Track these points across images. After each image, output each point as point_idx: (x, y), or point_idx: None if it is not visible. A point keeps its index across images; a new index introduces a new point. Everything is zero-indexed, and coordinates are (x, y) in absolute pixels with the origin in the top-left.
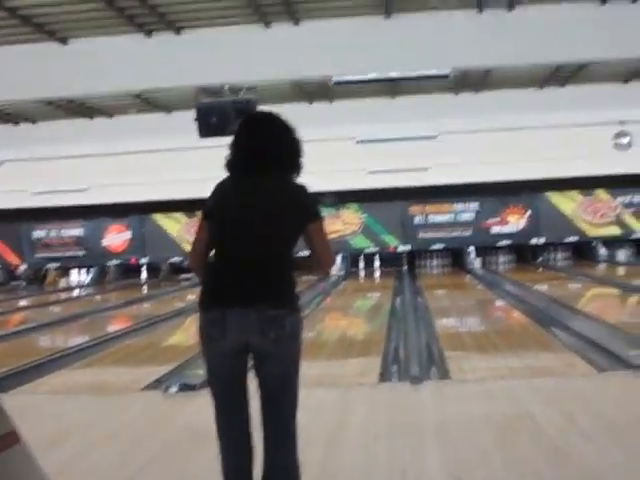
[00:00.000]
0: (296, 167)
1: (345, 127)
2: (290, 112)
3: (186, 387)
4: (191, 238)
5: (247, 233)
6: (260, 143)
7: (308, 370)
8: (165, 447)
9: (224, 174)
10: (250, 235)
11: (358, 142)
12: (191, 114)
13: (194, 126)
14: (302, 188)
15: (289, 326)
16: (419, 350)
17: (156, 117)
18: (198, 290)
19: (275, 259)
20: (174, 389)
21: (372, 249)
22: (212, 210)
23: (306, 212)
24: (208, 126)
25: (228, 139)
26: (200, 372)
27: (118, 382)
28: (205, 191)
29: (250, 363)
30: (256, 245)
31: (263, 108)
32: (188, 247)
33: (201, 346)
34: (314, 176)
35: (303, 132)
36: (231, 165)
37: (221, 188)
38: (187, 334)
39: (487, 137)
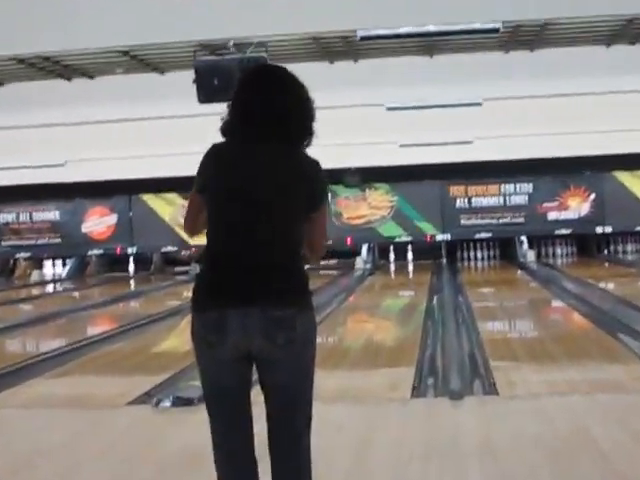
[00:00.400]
0: (308, 135)
1: (372, 92)
2: (307, 73)
3: (181, 401)
4: None
5: (249, 213)
6: (266, 102)
7: (327, 382)
8: (157, 472)
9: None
10: (253, 216)
11: (388, 109)
12: (189, 75)
13: (192, 89)
14: (315, 165)
15: (301, 328)
16: (460, 359)
17: (147, 78)
18: (191, 285)
19: (283, 246)
20: (167, 403)
21: (404, 238)
22: (206, 182)
23: (315, 196)
24: (209, 89)
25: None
26: (198, 383)
27: (101, 394)
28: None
29: (255, 373)
30: (260, 228)
31: None
32: (183, 233)
33: (195, 354)
34: (335, 149)
35: (322, 97)
36: (228, 129)
37: (216, 155)
38: (183, 338)
39: (543, 104)
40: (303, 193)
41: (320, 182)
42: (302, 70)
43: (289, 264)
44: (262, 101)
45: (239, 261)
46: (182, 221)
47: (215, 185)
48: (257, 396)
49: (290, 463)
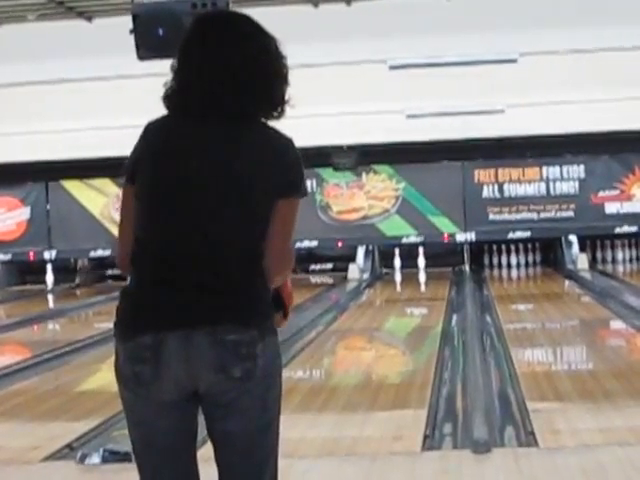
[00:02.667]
0: (277, 103)
1: (371, 45)
2: (283, 20)
3: (114, 456)
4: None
5: (192, 212)
6: (213, 60)
7: (310, 431)
8: None
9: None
10: (196, 215)
11: (391, 68)
12: (125, 23)
13: (130, 42)
14: (287, 142)
15: (263, 357)
16: (487, 400)
17: (69, 28)
18: None
19: (237, 251)
20: (95, 459)
21: (414, 238)
22: (137, 168)
23: (284, 181)
24: (151, 42)
25: None
26: None
27: (8, 447)
28: None
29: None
30: (208, 230)
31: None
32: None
33: (121, 396)
34: (321, 121)
35: (303, 51)
36: (171, 99)
37: (153, 134)
38: None
39: (598, 61)
40: (267, 184)
41: (291, 167)
42: (277, 17)
43: (248, 274)
44: (208, 59)
45: (180, 271)
46: (116, 216)
47: (147, 176)
48: (208, 450)
49: None
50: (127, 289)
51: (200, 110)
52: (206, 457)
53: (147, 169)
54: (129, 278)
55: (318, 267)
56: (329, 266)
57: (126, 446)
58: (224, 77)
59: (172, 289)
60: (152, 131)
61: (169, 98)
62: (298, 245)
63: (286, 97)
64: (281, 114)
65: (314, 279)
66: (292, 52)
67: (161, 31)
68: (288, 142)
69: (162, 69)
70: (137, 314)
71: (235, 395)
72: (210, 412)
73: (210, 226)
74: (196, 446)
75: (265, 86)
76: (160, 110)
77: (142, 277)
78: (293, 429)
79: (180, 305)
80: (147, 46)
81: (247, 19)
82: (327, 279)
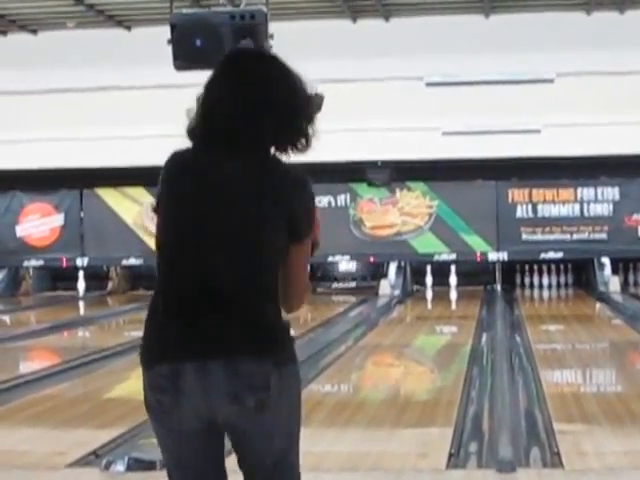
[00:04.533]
0: (300, 140)
1: (408, 61)
2: (321, 34)
3: (139, 464)
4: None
5: (209, 243)
6: (241, 97)
7: (335, 445)
8: None
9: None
10: (214, 246)
11: (428, 85)
12: (163, 33)
13: (167, 52)
14: (303, 182)
15: (277, 388)
16: (513, 420)
17: (108, 35)
18: None
19: (252, 284)
20: (120, 467)
21: (446, 256)
22: (160, 200)
23: (297, 226)
24: (189, 52)
25: None
26: None
27: (35, 452)
28: None
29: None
30: (224, 263)
31: (276, 25)
32: (151, 241)
33: (150, 419)
34: (356, 137)
35: (340, 66)
36: (194, 131)
37: (175, 167)
38: None
39: (635, 83)
40: (281, 221)
41: (305, 211)
42: (315, 32)
43: (263, 305)
44: (231, 94)
45: (196, 303)
46: (150, 225)
47: (167, 208)
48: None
49: None
50: (149, 317)
51: (220, 144)
52: (229, 469)
53: (167, 206)
54: (151, 303)
55: (350, 285)
56: (353, 284)
57: (151, 455)
58: (245, 113)
59: (189, 321)
60: (173, 165)
61: (192, 130)
62: (331, 259)
63: (310, 133)
64: (305, 149)
65: (341, 297)
66: (329, 67)
67: (198, 42)
68: (305, 181)
69: (198, 80)
70: (155, 344)
71: (250, 426)
72: (232, 440)
73: (225, 261)
74: (225, 470)
75: (286, 124)
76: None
77: (161, 306)
78: (318, 443)
79: (196, 337)
80: (184, 56)
81: (274, 58)
82: (352, 297)
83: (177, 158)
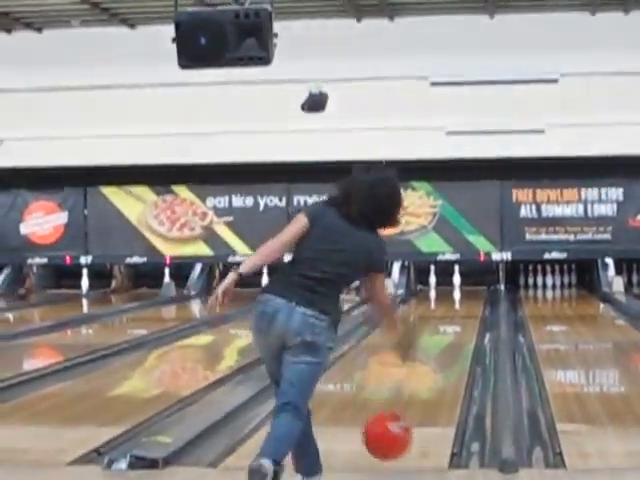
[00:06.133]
0: (396, 223)
1: (412, 61)
2: (326, 34)
3: (141, 462)
4: (160, 227)
5: (328, 257)
6: (377, 212)
7: (338, 445)
8: None
9: (215, 128)
10: (329, 259)
11: (432, 85)
12: (167, 31)
13: (172, 50)
14: (383, 243)
15: (324, 335)
16: (516, 419)
17: (112, 34)
18: (168, 309)
19: (334, 284)
20: (122, 465)
21: (450, 256)
22: (314, 218)
23: (376, 262)
24: (193, 51)
25: (232, 74)
26: (165, 439)
27: (36, 449)
28: (187, 153)
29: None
30: (330, 268)
31: (281, 24)
32: (155, 240)
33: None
34: (360, 136)
35: (344, 65)
36: (336, 201)
37: (322, 210)
38: (147, 378)
39: (639, 83)
40: (367, 261)
41: (381, 256)
42: (320, 30)
43: (334, 297)
44: (376, 212)
45: (305, 279)
46: (154, 223)
47: (316, 227)
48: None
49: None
50: (277, 272)
51: (353, 215)
52: (250, 451)
53: (317, 227)
54: (281, 267)
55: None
56: (356, 283)
57: (153, 452)
58: (376, 220)
59: (297, 285)
60: (324, 209)
61: (334, 199)
62: None
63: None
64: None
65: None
66: (333, 66)
67: (203, 40)
68: (383, 243)
69: (203, 78)
70: (274, 287)
71: (304, 350)
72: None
73: (332, 268)
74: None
75: (392, 215)
76: (197, 118)
77: (287, 272)
78: (321, 442)
79: (296, 291)
80: (189, 55)
81: (396, 183)
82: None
83: (323, 207)
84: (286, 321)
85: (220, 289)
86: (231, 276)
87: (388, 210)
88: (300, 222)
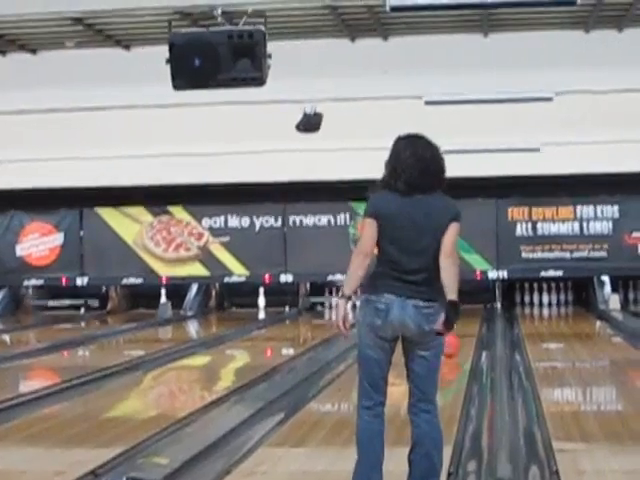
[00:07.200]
0: (444, 182)
1: (407, 79)
2: (320, 53)
3: None
4: (156, 248)
5: (409, 239)
6: (429, 171)
7: (334, 464)
8: None
9: (210, 149)
10: (410, 241)
11: (427, 103)
12: (162, 52)
13: (166, 71)
14: (453, 202)
15: (439, 318)
16: (512, 438)
17: (107, 56)
18: (165, 329)
19: (430, 265)
20: None
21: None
22: (378, 215)
23: (451, 217)
24: (188, 72)
25: (227, 94)
26: (159, 460)
27: (32, 472)
28: (183, 174)
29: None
30: (416, 251)
31: (275, 44)
32: (151, 260)
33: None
34: (356, 155)
35: (340, 85)
36: (388, 182)
37: (381, 200)
38: (143, 400)
39: (634, 101)
40: (443, 222)
41: (455, 211)
42: (313, 50)
43: (433, 276)
44: (421, 174)
45: (403, 272)
46: (150, 244)
47: (386, 222)
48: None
49: None
50: (373, 275)
51: (404, 188)
52: (246, 472)
53: (384, 220)
54: (374, 270)
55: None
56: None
57: (150, 474)
58: (433, 181)
59: (397, 280)
60: (379, 199)
61: (384, 181)
62: (330, 278)
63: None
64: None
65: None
66: (327, 86)
67: (197, 61)
68: (453, 202)
69: (197, 99)
70: (379, 287)
71: (425, 339)
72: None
73: (416, 251)
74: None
75: (439, 175)
76: (192, 139)
77: (384, 272)
78: (318, 462)
79: (401, 287)
80: (183, 76)
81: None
82: None
83: (381, 196)
84: (401, 314)
85: (340, 320)
86: (342, 303)
87: (435, 171)
88: (370, 226)
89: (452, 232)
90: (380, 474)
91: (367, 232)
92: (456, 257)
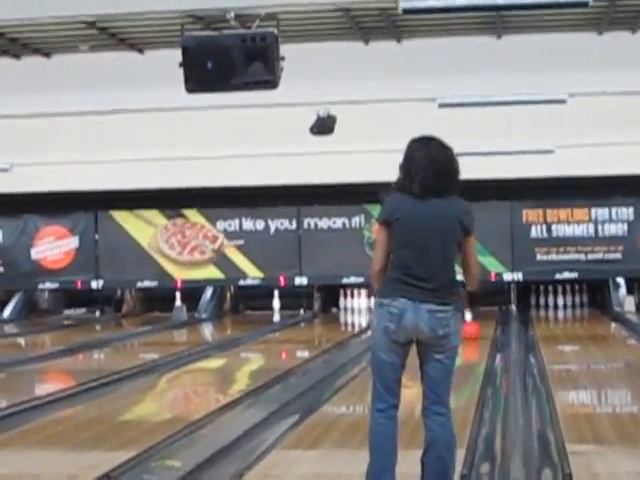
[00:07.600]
0: (458, 185)
1: (421, 82)
2: (333, 56)
3: None
4: (171, 251)
5: (422, 245)
6: (443, 172)
7: (347, 467)
8: None
9: (225, 151)
10: (424, 247)
11: (441, 106)
12: (175, 55)
13: (179, 74)
14: (467, 206)
15: (454, 324)
16: (526, 441)
17: (120, 58)
18: (180, 332)
19: (444, 267)
20: None
21: (461, 276)
22: (391, 220)
23: (465, 227)
24: (200, 75)
25: (240, 97)
26: (175, 463)
27: (47, 474)
28: (197, 177)
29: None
30: (430, 257)
31: (287, 47)
32: (166, 263)
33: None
34: (369, 158)
35: (353, 88)
36: (403, 185)
37: (395, 203)
38: (158, 403)
39: None
40: (458, 229)
41: (470, 220)
42: (327, 53)
43: (448, 279)
44: (435, 175)
45: (415, 277)
46: (165, 247)
47: (398, 227)
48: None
49: None
50: (388, 279)
51: (418, 190)
52: (260, 475)
53: (397, 223)
54: (389, 274)
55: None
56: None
57: (164, 477)
58: (447, 184)
59: (410, 285)
60: (393, 202)
61: (399, 183)
62: (345, 281)
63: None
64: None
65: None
66: (340, 89)
67: (210, 64)
68: (468, 206)
69: (210, 102)
70: (392, 291)
71: (439, 343)
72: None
73: (430, 256)
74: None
75: (454, 178)
76: (206, 142)
77: (398, 277)
78: (332, 464)
79: (415, 291)
80: (196, 79)
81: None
82: None
83: (395, 199)
84: (414, 318)
85: None
86: None
87: (449, 172)
88: (383, 233)
89: (471, 248)
90: (393, 476)
91: (379, 246)
92: (478, 271)
